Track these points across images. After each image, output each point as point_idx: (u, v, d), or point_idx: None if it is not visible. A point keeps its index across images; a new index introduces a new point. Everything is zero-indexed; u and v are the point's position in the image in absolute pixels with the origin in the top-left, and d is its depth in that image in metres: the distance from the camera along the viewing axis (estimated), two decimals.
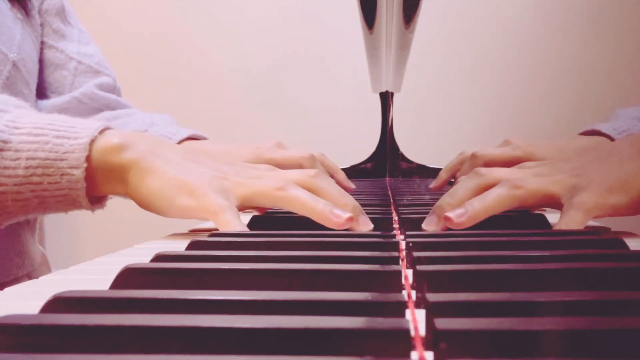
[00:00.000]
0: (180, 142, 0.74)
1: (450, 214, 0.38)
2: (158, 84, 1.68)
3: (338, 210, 0.40)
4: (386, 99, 1.04)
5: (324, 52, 1.64)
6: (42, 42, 0.77)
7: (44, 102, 0.77)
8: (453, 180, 0.78)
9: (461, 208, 0.39)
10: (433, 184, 0.75)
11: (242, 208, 0.44)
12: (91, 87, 0.79)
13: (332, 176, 0.72)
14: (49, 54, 0.78)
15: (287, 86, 1.65)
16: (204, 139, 0.78)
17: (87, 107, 0.79)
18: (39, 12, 0.76)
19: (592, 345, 0.15)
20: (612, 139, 0.65)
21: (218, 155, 0.49)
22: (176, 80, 1.68)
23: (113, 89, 0.83)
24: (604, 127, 0.68)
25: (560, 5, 1.58)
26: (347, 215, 0.40)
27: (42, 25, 0.77)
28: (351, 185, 0.73)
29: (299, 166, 0.67)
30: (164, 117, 0.81)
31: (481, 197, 0.39)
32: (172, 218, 0.44)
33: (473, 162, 0.66)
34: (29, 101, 0.69)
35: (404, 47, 0.76)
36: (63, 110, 0.77)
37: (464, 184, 0.42)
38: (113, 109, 0.81)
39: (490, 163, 0.65)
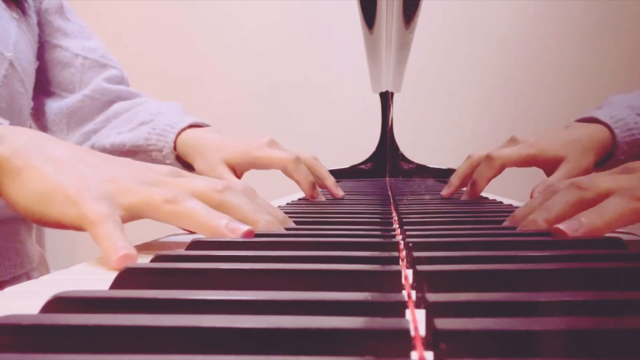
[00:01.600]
0: (181, 130, 0.75)
1: (563, 226, 0.34)
2: (157, 92, 1.68)
3: (236, 223, 0.35)
4: (386, 99, 1.04)
5: (324, 51, 1.64)
6: (46, 42, 0.77)
7: (57, 104, 0.78)
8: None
9: (574, 220, 0.34)
10: (445, 191, 0.72)
11: (129, 220, 0.38)
12: (100, 82, 0.80)
13: (321, 181, 0.71)
14: (54, 54, 0.78)
15: (286, 86, 1.65)
16: (207, 126, 0.79)
17: (100, 102, 0.80)
18: (39, 12, 0.76)
19: (592, 345, 0.15)
20: (609, 128, 0.67)
21: (140, 164, 0.42)
22: (175, 87, 1.68)
23: (121, 80, 0.84)
24: (601, 115, 0.69)
25: (561, 6, 1.58)
26: (246, 228, 0.35)
27: (43, 24, 0.77)
28: (340, 192, 0.71)
29: (283, 168, 0.67)
30: (170, 105, 0.81)
31: (599, 210, 0.35)
32: (50, 228, 0.38)
33: (490, 164, 0.66)
34: (24, 99, 0.70)
35: (404, 47, 0.76)
36: (77, 109, 0.78)
37: (563, 198, 0.37)
38: (125, 99, 0.82)
39: (507, 164, 0.66)
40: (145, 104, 0.82)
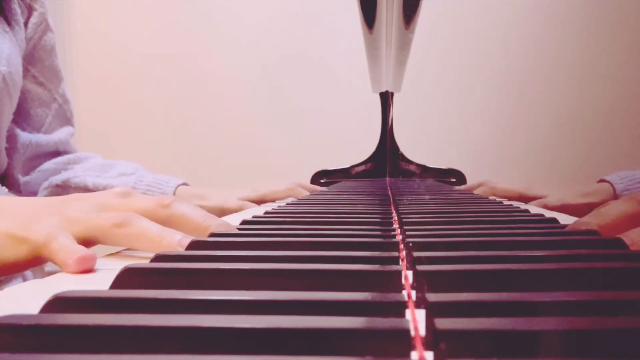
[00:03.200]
0: (176, 187, 0.84)
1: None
2: (155, 87, 1.68)
3: (189, 239, 0.35)
4: (386, 99, 1.04)
5: (324, 52, 1.64)
6: (33, 76, 0.79)
7: (27, 135, 0.80)
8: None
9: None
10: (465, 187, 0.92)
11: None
12: (67, 136, 0.85)
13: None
14: (37, 89, 0.80)
15: (286, 87, 1.65)
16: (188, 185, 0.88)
17: (58, 152, 0.85)
18: (35, 46, 0.77)
19: (592, 345, 0.15)
20: (611, 184, 0.78)
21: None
22: (173, 82, 1.68)
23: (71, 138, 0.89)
24: (608, 177, 0.80)
25: (560, 5, 1.58)
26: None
27: (35, 58, 0.79)
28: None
29: (289, 195, 0.86)
30: (136, 166, 0.89)
31: None
32: (9, 274, 0.37)
33: (483, 189, 0.83)
34: (8, 113, 0.70)
35: (404, 47, 0.76)
36: (41, 147, 0.82)
37: (620, 207, 0.37)
38: (77, 157, 0.88)
39: (496, 193, 0.83)
40: (97, 159, 0.90)
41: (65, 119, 0.84)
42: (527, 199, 0.82)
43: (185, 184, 0.86)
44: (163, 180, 0.83)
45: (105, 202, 0.40)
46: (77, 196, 0.41)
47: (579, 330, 0.16)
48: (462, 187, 0.87)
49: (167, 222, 0.39)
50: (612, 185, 0.78)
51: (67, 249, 0.32)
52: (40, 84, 0.79)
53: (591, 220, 0.37)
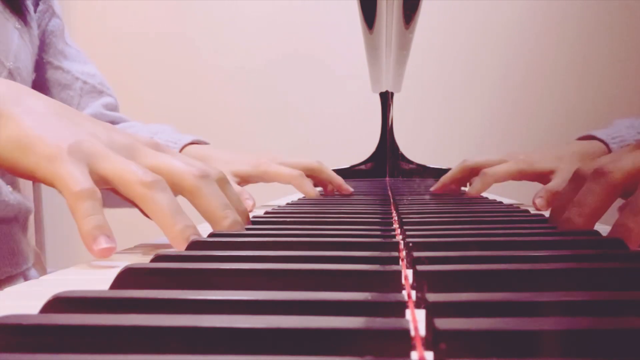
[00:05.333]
0: (183, 147, 0.78)
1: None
2: (154, 84, 1.68)
3: (198, 238, 0.34)
4: (386, 99, 1.04)
5: (324, 52, 1.64)
6: (48, 62, 0.79)
7: None
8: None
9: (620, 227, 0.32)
10: (434, 187, 0.78)
11: (99, 185, 0.36)
12: (98, 107, 0.83)
13: (330, 183, 0.77)
14: (55, 75, 0.80)
15: (286, 86, 1.65)
16: (206, 143, 0.82)
17: None
18: (44, 32, 0.77)
19: (592, 345, 0.15)
20: (605, 144, 0.71)
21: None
22: (173, 79, 1.68)
23: (115, 108, 0.87)
24: (598, 133, 0.73)
25: (559, 6, 1.58)
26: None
27: (47, 45, 0.78)
28: (349, 189, 0.76)
29: (288, 182, 0.73)
30: (165, 126, 0.84)
31: (632, 214, 0.32)
32: (19, 177, 0.38)
33: (483, 179, 0.70)
34: None
35: (404, 47, 0.76)
36: None
37: (592, 190, 0.36)
38: (117, 125, 0.85)
39: (498, 180, 0.71)
40: (139, 126, 0.86)
41: (97, 92, 0.83)
42: (529, 176, 0.71)
43: (196, 142, 0.80)
44: (173, 139, 0.79)
45: (139, 149, 0.39)
46: (111, 127, 0.41)
47: (579, 330, 0.16)
48: (445, 177, 0.75)
49: (190, 193, 0.38)
50: (607, 146, 0.71)
51: (94, 222, 0.33)
52: (57, 68, 0.79)
53: (573, 217, 0.36)
